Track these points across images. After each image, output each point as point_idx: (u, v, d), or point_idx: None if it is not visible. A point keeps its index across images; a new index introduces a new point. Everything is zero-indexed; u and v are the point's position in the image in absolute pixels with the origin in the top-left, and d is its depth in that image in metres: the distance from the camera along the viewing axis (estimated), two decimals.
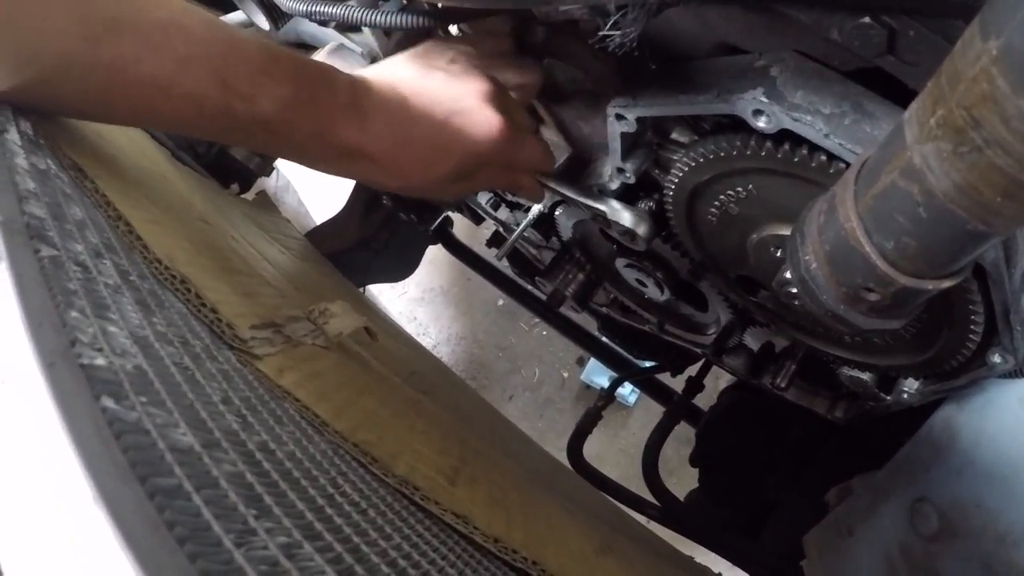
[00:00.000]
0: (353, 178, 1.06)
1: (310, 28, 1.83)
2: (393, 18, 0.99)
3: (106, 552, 0.40)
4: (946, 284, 0.62)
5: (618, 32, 0.71)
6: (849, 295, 0.67)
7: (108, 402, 0.48)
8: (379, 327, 1.52)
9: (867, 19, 0.72)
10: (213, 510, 0.46)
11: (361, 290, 2.42)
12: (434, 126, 1.00)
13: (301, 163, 0.99)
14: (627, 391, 3.40)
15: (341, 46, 1.62)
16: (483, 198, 1.62)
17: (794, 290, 0.75)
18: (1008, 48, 0.43)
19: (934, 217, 0.54)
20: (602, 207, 1.09)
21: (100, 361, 0.52)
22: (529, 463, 1.59)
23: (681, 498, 1.93)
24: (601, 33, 0.73)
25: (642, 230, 1.07)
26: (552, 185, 1.13)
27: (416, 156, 1.01)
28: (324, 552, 0.53)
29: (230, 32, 0.87)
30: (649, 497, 1.89)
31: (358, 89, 0.97)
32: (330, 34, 1.72)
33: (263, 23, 1.48)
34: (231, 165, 2.00)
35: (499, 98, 1.03)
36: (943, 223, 0.53)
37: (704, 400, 2.02)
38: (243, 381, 0.70)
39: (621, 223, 1.08)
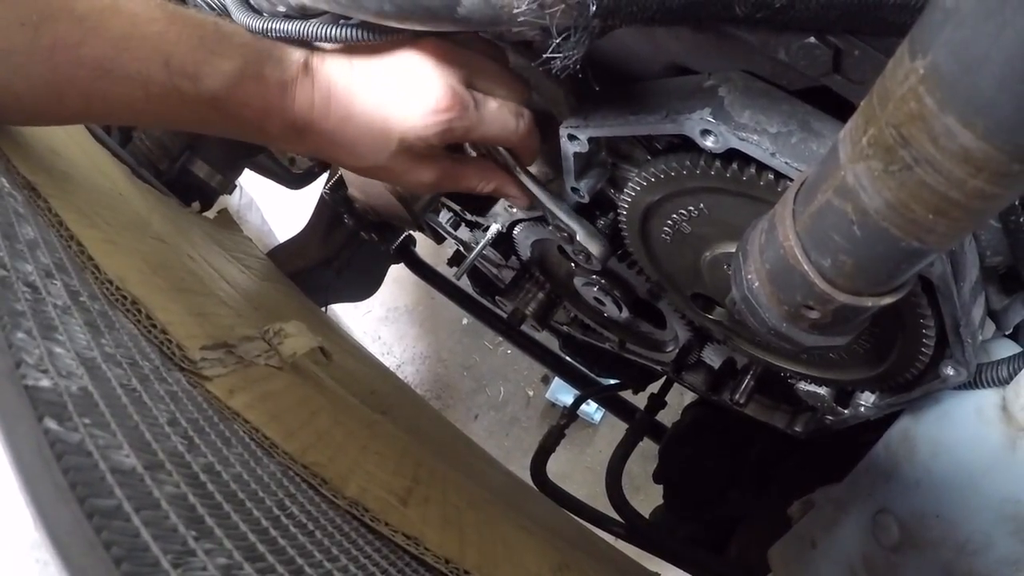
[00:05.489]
0: (313, 156, 1.04)
1: None
2: (350, 32, 0.97)
3: (42, 570, 0.40)
4: (886, 301, 0.63)
5: (560, 55, 0.72)
6: (790, 313, 0.67)
7: (51, 423, 0.48)
8: (338, 347, 1.51)
9: (813, 39, 0.73)
10: (152, 531, 0.46)
11: (324, 309, 2.41)
12: (372, 97, 0.95)
13: (260, 143, 0.98)
14: (592, 409, 3.40)
15: None
16: (443, 217, 1.62)
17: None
18: (935, 67, 0.44)
19: (868, 235, 0.54)
20: (571, 221, 1.07)
21: (45, 383, 0.52)
22: (491, 483, 1.59)
23: (647, 515, 1.93)
24: (544, 56, 0.73)
25: (596, 250, 1.07)
26: (525, 180, 1.08)
27: (360, 131, 0.96)
28: (265, 574, 0.52)
29: (172, 11, 0.87)
30: (615, 515, 1.88)
31: (311, 63, 0.95)
32: None
33: None
34: (193, 182, 1.99)
35: (449, 63, 0.94)
36: (877, 241, 0.54)
37: (669, 416, 2.03)
38: (191, 402, 0.70)
39: (576, 239, 1.08)
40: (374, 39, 0.91)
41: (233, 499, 0.59)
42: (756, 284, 0.69)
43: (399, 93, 0.94)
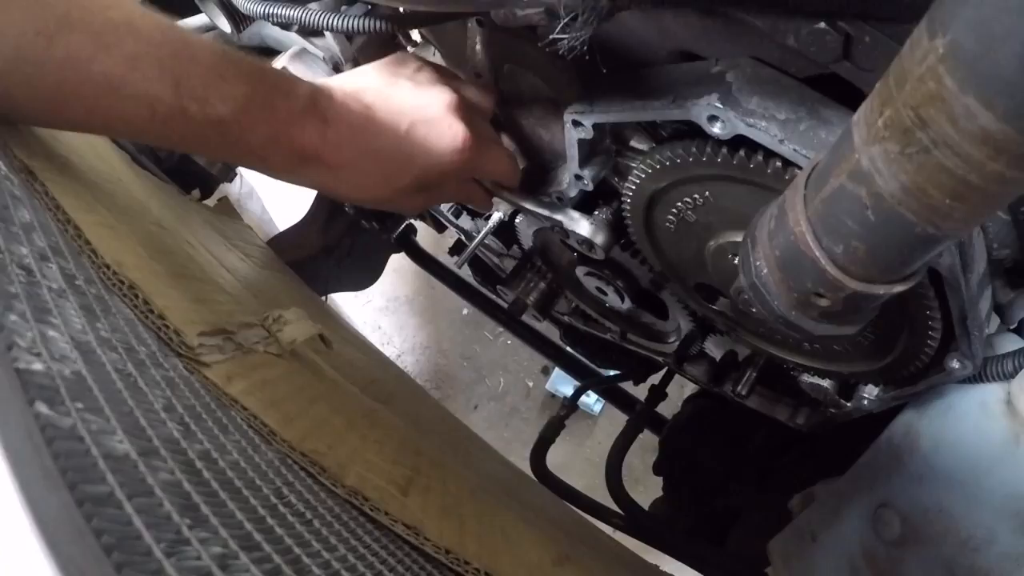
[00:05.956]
0: (313, 187, 1.05)
1: (273, 32, 1.81)
2: (353, 22, 0.97)
3: (28, 558, 0.39)
4: (898, 289, 0.61)
5: (567, 36, 0.71)
6: (800, 301, 0.66)
7: (42, 407, 0.47)
8: (338, 335, 1.50)
9: (823, 25, 0.72)
10: (145, 519, 0.45)
11: (324, 299, 2.40)
12: (397, 136, 0.99)
13: (260, 171, 0.98)
14: (592, 400, 3.40)
15: (303, 50, 1.61)
16: (445, 206, 1.61)
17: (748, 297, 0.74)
18: (954, 45, 0.43)
19: (882, 220, 0.53)
20: (559, 217, 1.09)
21: (37, 366, 0.51)
22: (490, 473, 1.59)
23: (646, 507, 1.93)
24: (551, 36, 0.72)
25: (599, 239, 1.07)
26: (508, 196, 1.12)
27: (377, 166, 1.00)
28: (261, 563, 0.51)
29: (184, 35, 0.86)
30: (615, 506, 1.88)
31: (319, 96, 0.96)
32: (293, 38, 1.71)
33: (225, 26, 1.47)
34: (193, 170, 1.98)
35: (464, 109, 1.02)
36: (892, 226, 0.53)
37: (669, 408, 2.02)
38: (189, 389, 0.69)
39: (579, 232, 1.08)
40: (377, 28, 0.92)
41: (229, 487, 0.58)
42: (765, 271, 0.68)
43: (423, 131, 1.00)
